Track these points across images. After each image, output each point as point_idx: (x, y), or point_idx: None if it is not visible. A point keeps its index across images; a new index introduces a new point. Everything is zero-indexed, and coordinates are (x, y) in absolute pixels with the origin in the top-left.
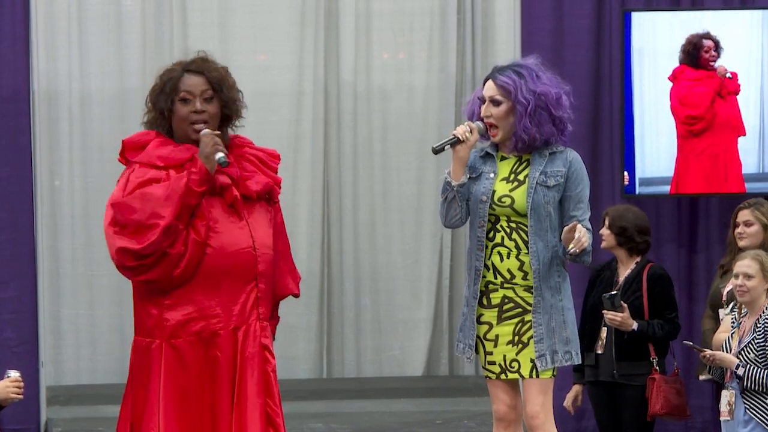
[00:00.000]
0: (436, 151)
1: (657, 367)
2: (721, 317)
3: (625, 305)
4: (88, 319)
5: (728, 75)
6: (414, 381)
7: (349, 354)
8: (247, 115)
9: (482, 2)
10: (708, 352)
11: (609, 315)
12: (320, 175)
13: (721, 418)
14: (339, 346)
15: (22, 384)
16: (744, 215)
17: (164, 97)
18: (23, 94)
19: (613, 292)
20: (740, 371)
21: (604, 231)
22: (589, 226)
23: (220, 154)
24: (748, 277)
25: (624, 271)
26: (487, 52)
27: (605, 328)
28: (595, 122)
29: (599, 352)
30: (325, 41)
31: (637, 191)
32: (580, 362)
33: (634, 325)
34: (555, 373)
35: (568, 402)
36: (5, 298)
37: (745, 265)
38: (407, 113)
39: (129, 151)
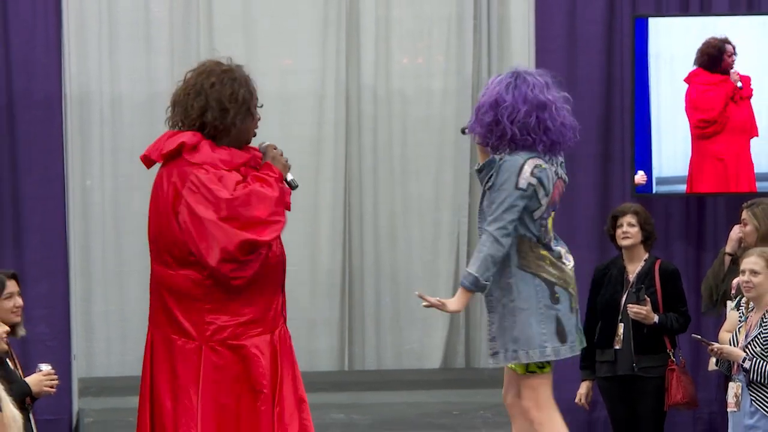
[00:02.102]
0: (464, 131)
1: (674, 359)
2: (727, 310)
3: (648, 299)
4: (118, 314)
5: (739, 84)
6: (432, 373)
7: (370, 348)
8: (270, 117)
9: (498, 8)
10: (716, 345)
11: (635, 308)
12: (342, 176)
13: (728, 410)
14: (360, 340)
15: (55, 377)
16: (743, 214)
17: (246, 108)
18: (56, 98)
19: (639, 287)
20: (747, 364)
21: (631, 229)
22: (490, 229)
23: (291, 176)
24: (754, 273)
25: (634, 268)
26: (503, 57)
27: (621, 324)
28: (606, 124)
29: (617, 347)
30: (347, 46)
31: (654, 190)
32: (536, 361)
33: (656, 318)
34: (531, 369)
35: (581, 400)
36: (39, 295)
37: (751, 261)
38: (426, 116)
39: (188, 152)
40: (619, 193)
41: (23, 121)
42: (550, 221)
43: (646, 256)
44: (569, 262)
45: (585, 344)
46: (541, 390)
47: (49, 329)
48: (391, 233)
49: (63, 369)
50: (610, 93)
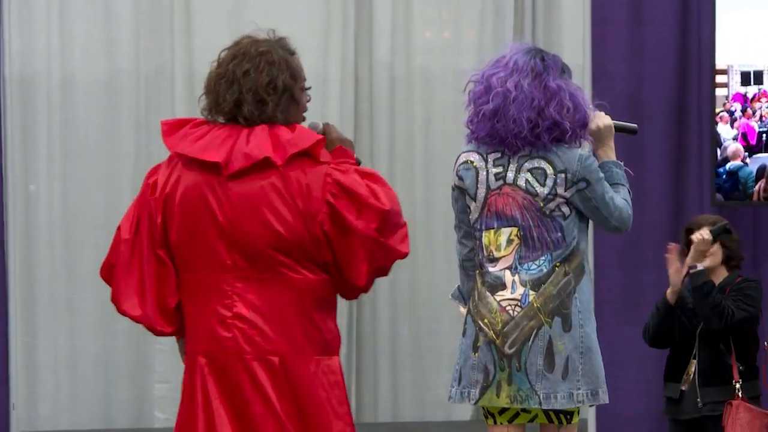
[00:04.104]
0: (635, 131)
1: (740, 392)
2: None
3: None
4: (68, 351)
5: None
6: (462, 427)
7: (384, 394)
8: None
9: None
10: None
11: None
12: None
13: None
14: (371, 385)
15: None
16: None
17: (290, 96)
18: None
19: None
20: None
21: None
22: None
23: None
24: None
25: None
26: (551, 29)
27: (694, 362)
28: (680, 113)
29: (684, 388)
30: (356, 17)
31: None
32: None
33: (704, 264)
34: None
35: None
36: None
37: None
38: (454, 102)
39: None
40: (695, 199)
41: None
42: (491, 235)
43: (727, 274)
44: (512, 294)
45: (498, 399)
46: None
47: None
48: (410, 248)
49: None
50: (686, 75)
